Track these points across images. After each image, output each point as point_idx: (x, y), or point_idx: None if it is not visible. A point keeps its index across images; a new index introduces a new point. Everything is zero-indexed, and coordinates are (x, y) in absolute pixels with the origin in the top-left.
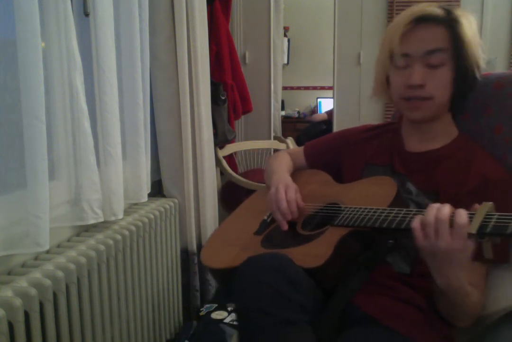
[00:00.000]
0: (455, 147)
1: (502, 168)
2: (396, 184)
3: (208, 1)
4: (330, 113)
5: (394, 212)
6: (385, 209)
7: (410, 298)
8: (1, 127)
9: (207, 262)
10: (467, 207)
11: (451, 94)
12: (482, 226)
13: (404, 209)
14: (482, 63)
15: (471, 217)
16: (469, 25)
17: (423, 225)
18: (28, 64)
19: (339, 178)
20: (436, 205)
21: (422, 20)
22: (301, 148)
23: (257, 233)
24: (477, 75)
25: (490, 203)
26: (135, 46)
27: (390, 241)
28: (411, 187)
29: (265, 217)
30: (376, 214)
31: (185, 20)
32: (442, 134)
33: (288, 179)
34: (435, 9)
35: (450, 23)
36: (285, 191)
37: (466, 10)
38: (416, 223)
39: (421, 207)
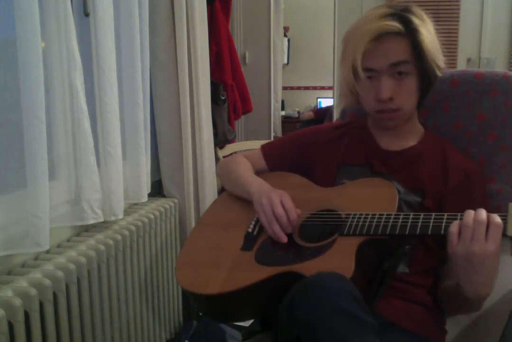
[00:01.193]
0: (428, 143)
1: (472, 161)
2: (394, 185)
3: (208, 1)
4: (316, 111)
5: (411, 217)
6: (398, 214)
7: (417, 297)
8: (1, 127)
9: (192, 287)
10: (453, 201)
11: (418, 99)
12: None
13: (422, 214)
14: (441, 63)
15: (504, 219)
16: (428, 33)
17: (460, 229)
18: (28, 64)
19: (308, 179)
20: (473, 211)
21: (383, 35)
22: (258, 150)
23: (244, 248)
24: (438, 73)
25: None
26: (135, 46)
27: (407, 247)
28: (397, 185)
29: (249, 230)
30: (391, 220)
31: (185, 20)
32: (411, 132)
33: (269, 186)
34: (393, 23)
35: (409, 34)
36: (281, 200)
37: (466, 10)
38: (454, 228)
39: (411, 205)
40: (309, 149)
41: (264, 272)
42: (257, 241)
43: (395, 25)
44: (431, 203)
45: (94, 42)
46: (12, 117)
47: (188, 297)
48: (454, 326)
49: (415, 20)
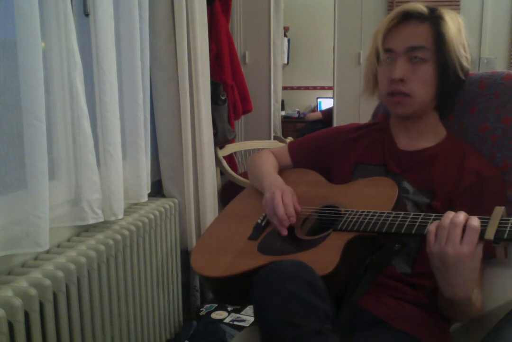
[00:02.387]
0: (446, 146)
1: (493, 166)
2: (396, 185)
3: (208, 1)
4: (325, 112)
5: (401, 216)
6: (390, 213)
7: (415, 298)
8: (1, 127)
9: (201, 270)
10: (463, 203)
11: (434, 93)
12: (499, 231)
13: (412, 213)
14: (466, 63)
15: (485, 222)
16: (452, 23)
17: (437, 229)
18: (28, 64)
19: (327, 177)
20: (453, 212)
21: (407, 17)
22: (285, 147)
23: (251, 237)
24: (461, 75)
25: (503, 207)
26: (135, 46)
27: (397, 245)
28: (407, 186)
29: (259, 221)
30: (382, 218)
31: (185, 20)
32: (431, 133)
33: (281, 182)
34: (419, 6)
35: (433, 21)
36: (282, 195)
37: (467, 10)
38: (432, 227)
39: (418, 206)
40: (330, 148)
41: (261, 260)
42: (264, 232)
43: (420, 7)
44: (441, 205)
45: (94, 42)
46: (12, 117)
47: (188, 296)
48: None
49: (442, 10)
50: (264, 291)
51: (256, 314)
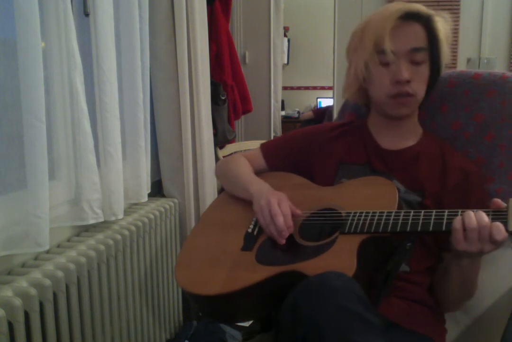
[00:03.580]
0: (426, 144)
1: (471, 162)
2: (394, 183)
3: (208, 1)
4: (316, 111)
5: (412, 214)
6: (398, 212)
7: (417, 296)
8: (1, 127)
9: (193, 288)
10: (452, 200)
11: (426, 92)
12: None
13: (423, 211)
14: (447, 61)
15: (504, 215)
16: (445, 25)
17: (465, 230)
18: (28, 64)
19: (307, 178)
20: (471, 211)
21: (408, 17)
22: (258, 150)
23: (245, 248)
24: (442, 70)
25: None
26: (135, 46)
27: (409, 244)
28: (398, 184)
29: (249, 230)
30: (392, 217)
31: (185, 20)
32: (411, 131)
33: (270, 187)
34: (419, 6)
35: (429, 22)
36: (278, 203)
37: (467, 10)
38: (457, 224)
39: (410, 204)
40: (309, 148)
41: (265, 272)
42: (257, 241)
43: (421, 8)
44: (431, 203)
45: (94, 42)
46: (12, 117)
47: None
48: (454, 325)
49: (433, 11)
50: (316, 308)
51: (306, 333)
